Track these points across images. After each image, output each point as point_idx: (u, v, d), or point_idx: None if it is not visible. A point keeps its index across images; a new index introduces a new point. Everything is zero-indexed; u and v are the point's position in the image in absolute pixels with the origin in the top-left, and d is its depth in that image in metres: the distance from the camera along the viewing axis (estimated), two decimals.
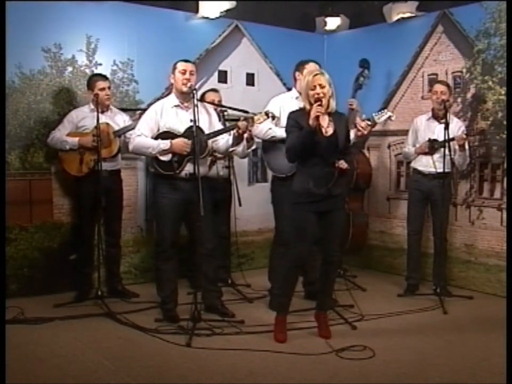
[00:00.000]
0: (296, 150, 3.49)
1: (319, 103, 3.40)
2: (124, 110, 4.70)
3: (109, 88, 4.43)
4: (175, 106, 3.95)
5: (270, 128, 4.17)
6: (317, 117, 3.40)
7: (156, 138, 3.90)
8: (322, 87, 3.46)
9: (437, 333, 3.85)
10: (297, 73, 4.30)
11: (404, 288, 4.83)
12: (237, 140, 3.88)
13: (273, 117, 3.92)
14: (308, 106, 3.49)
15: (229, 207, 4.85)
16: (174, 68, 3.94)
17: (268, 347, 3.50)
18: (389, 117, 4.41)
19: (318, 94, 3.44)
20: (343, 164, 3.50)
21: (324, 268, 3.75)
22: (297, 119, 3.53)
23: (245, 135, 3.94)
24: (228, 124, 4.35)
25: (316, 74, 3.50)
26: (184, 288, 4.51)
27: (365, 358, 3.36)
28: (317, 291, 3.89)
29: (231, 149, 3.98)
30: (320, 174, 3.49)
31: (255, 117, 3.82)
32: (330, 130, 3.51)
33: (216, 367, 3.24)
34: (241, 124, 3.78)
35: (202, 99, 4.44)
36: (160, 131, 3.92)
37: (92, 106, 4.45)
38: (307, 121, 3.42)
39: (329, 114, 3.56)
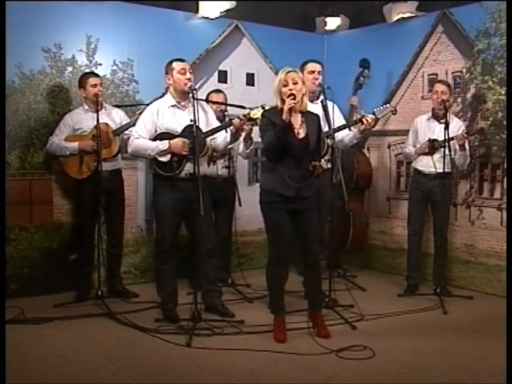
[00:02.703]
0: (274, 147, 3.49)
1: (292, 97, 3.42)
2: (118, 106, 4.69)
3: (101, 85, 4.41)
4: (172, 106, 3.94)
5: None
6: (290, 110, 3.41)
7: (154, 139, 3.90)
8: (295, 83, 3.48)
9: (437, 333, 3.85)
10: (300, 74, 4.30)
11: (404, 288, 4.83)
12: (234, 137, 3.88)
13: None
14: (279, 104, 3.50)
15: (229, 207, 4.85)
16: (171, 69, 3.90)
17: (267, 347, 3.50)
18: (392, 111, 4.36)
19: (290, 89, 3.45)
20: (316, 163, 3.51)
21: (307, 269, 3.76)
22: (270, 117, 3.53)
23: (243, 135, 3.95)
24: None
25: (289, 72, 3.52)
26: (184, 288, 4.51)
27: (365, 358, 3.35)
28: (307, 293, 3.88)
29: (229, 146, 3.97)
30: (290, 174, 3.49)
31: (252, 112, 3.82)
32: (302, 133, 3.53)
33: (216, 367, 3.24)
34: (235, 121, 3.79)
35: (206, 100, 4.42)
36: (158, 132, 3.91)
37: (86, 107, 4.45)
38: (280, 119, 3.43)
39: (302, 114, 3.57)
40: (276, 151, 3.49)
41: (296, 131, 3.51)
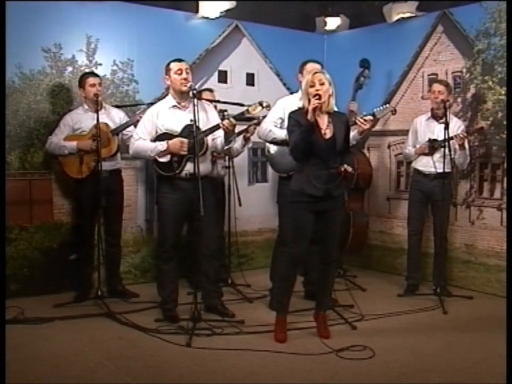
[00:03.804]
0: (300, 148, 3.49)
1: (317, 97, 3.42)
2: (118, 106, 4.69)
3: (100, 84, 4.42)
4: (172, 107, 3.94)
5: (270, 130, 4.16)
6: (314, 110, 3.40)
7: (155, 140, 3.90)
8: (321, 83, 3.48)
9: (437, 333, 3.85)
10: (299, 74, 4.30)
11: (404, 288, 4.83)
12: (227, 138, 3.88)
13: (268, 106, 3.93)
14: (306, 105, 3.50)
15: (223, 207, 4.84)
16: (168, 69, 3.91)
17: (268, 347, 3.50)
18: (391, 111, 4.35)
19: (317, 90, 3.45)
20: (348, 168, 3.53)
21: (323, 268, 3.75)
22: (297, 118, 3.54)
23: (242, 134, 3.94)
24: None
25: (316, 73, 3.53)
26: (184, 288, 4.51)
27: (365, 358, 3.36)
28: (316, 291, 3.89)
29: (226, 147, 3.98)
30: (318, 174, 3.50)
31: (250, 108, 3.84)
32: (328, 133, 3.52)
33: (216, 367, 3.24)
34: (224, 122, 3.79)
35: (199, 98, 4.43)
36: (159, 133, 3.92)
37: (86, 107, 4.45)
38: (306, 119, 3.43)
39: (329, 114, 3.57)
40: (302, 151, 3.50)
41: (322, 131, 3.51)
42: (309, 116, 3.41)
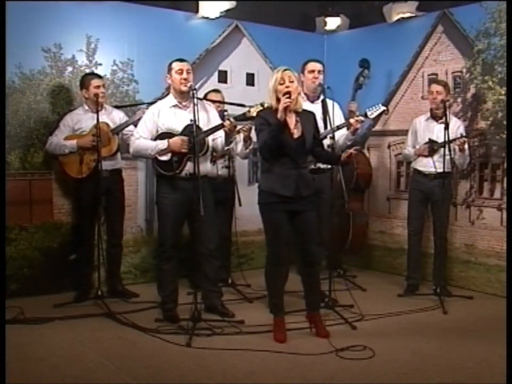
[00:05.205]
0: (268, 147, 3.47)
1: (287, 95, 3.39)
2: (117, 107, 4.69)
3: (104, 86, 4.43)
4: (173, 106, 3.95)
5: None
6: (285, 109, 3.39)
7: (155, 139, 3.91)
8: (291, 81, 3.47)
9: (437, 333, 3.85)
10: (300, 74, 4.30)
11: (404, 288, 4.83)
12: (228, 139, 3.89)
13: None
14: (274, 103, 3.48)
15: (230, 207, 4.85)
16: (170, 69, 3.94)
17: (267, 347, 3.50)
18: (383, 111, 4.38)
19: (287, 87, 3.44)
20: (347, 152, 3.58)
21: (305, 271, 3.73)
22: (266, 117, 3.52)
23: (242, 135, 3.94)
24: None
25: (285, 70, 3.51)
26: (184, 288, 4.51)
27: (365, 358, 3.35)
28: (304, 293, 3.86)
29: (226, 148, 3.97)
30: (287, 174, 3.49)
31: (252, 109, 3.84)
32: (297, 132, 3.51)
33: (216, 367, 3.24)
34: (226, 123, 3.80)
35: (204, 99, 4.43)
36: (159, 132, 3.92)
37: (86, 107, 4.46)
38: (275, 118, 3.41)
39: (297, 113, 3.56)
40: (271, 150, 3.48)
41: (291, 131, 3.50)
42: (279, 115, 3.38)
